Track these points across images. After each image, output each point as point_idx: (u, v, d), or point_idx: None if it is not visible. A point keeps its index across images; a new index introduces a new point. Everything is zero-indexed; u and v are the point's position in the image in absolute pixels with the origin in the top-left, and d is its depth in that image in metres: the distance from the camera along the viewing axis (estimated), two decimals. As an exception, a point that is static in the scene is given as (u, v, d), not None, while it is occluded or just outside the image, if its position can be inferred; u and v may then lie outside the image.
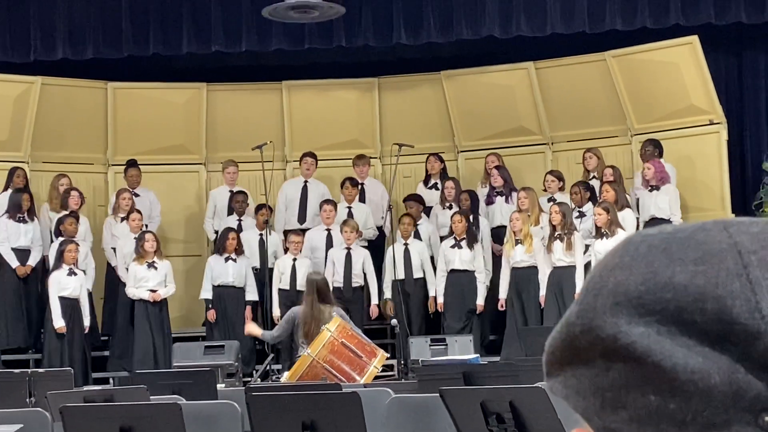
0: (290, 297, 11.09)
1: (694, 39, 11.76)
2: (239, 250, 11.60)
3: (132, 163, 12.49)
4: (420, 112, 13.16)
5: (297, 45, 12.37)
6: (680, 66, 11.92)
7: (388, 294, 11.56)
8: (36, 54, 12.04)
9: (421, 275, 11.56)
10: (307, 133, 13.11)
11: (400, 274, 11.48)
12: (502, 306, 11.30)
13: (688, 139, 12.03)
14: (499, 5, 12.05)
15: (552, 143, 12.85)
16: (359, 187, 12.39)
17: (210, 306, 11.52)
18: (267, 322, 11.51)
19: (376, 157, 13.27)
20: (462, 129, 13.12)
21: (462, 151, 13.15)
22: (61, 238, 11.32)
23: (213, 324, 11.49)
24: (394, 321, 10.48)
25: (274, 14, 11.48)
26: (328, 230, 11.89)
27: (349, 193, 12.26)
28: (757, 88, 12.65)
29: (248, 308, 11.57)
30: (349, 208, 12.21)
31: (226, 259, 11.54)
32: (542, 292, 10.91)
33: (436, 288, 11.51)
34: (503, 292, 11.27)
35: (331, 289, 11.16)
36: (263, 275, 11.73)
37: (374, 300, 11.54)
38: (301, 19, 11.60)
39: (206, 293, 11.57)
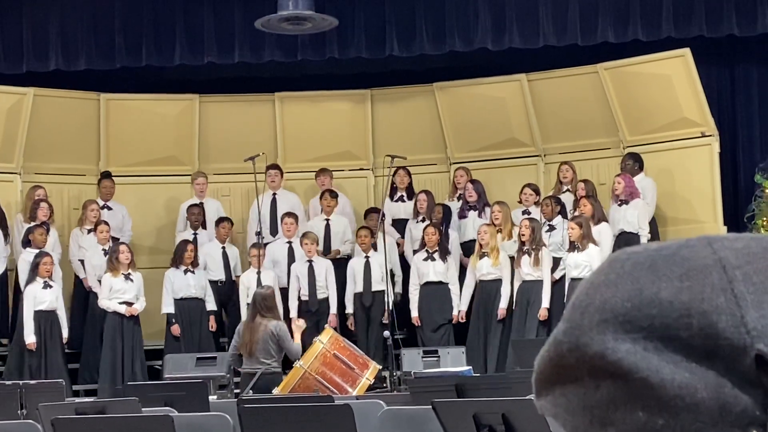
0: None
1: (686, 51, 11.79)
2: (195, 262, 11.59)
3: (106, 175, 12.46)
4: (412, 124, 13.17)
5: (290, 57, 12.38)
6: (672, 78, 11.94)
7: (350, 308, 11.55)
8: (28, 65, 12.04)
9: (381, 288, 11.50)
10: (299, 144, 13.11)
11: (360, 288, 11.48)
12: (462, 318, 11.32)
13: (680, 152, 12.05)
14: (492, 17, 12.07)
15: (544, 155, 12.87)
16: (338, 199, 12.36)
17: (173, 321, 11.49)
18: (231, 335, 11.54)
19: (368, 169, 13.28)
20: (454, 141, 13.14)
21: (454, 163, 13.15)
22: (29, 249, 11.24)
23: (175, 337, 11.44)
24: (386, 333, 10.47)
25: (267, 26, 11.49)
26: (290, 243, 11.87)
27: (327, 204, 12.24)
28: (749, 101, 12.68)
29: (212, 317, 11.57)
30: (328, 220, 12.19)
31: (185, 272, 11.53)
32: (502, 304, 10.98)
33: (410, 301, 11.49)
34: (464, 304, 11.31)
35: (294, 303, 11.17)
36: (229, 288, 11.74)
37: (332, 310, 11.51)
38: (294, 30, 11.61)
39: (168, 307, 11.51)
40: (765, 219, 11.51)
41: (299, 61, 12.53)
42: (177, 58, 12.23)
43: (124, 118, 12.86)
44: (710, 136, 11.95)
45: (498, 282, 11.11)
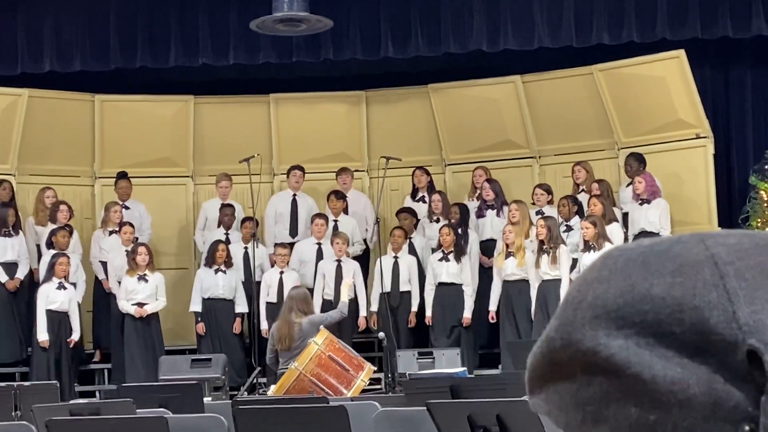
0: (277, 310, 11.08)
1: (681, 53, 11.80)
2: (228, 263, 11.60)
3: (122, 175, 12.46)
4: (407, 126, 13.17)
5: (285, 58, 12.38)
6: (667, 80, 11.95)
7: (374, 307, 11.56)
8: (23, 66, 12.03)
9: (408, 288, 11.56)
10: (294, 146, 13.11)
11: (387, 287, 11.49)
12: (492, 318, 11.31)
13: (674, 153, 12.06)
14: (487, 19, 12.07)
15: (539, 157, 12.87)
16: (344, 200, 12.38)
17: (199, 319, 11.50)
18: (255, 336, 11.49)
19: (363, 171, 13.27)
20: (449, 142, 13.14)
21: (449, 165, 13.16)
22: (52, 251, 11.28)
23: (202, 337, 11.47)
24: (381, 334, 10.47)
25: (262, 27, 11.49)
26: (319, 243, 11.89)
27: (334, 206, 12.25)
28: (744, 102, 12.69)
29: (237, 320, 11.58)
30: (336, 221, 12.19)
31: (216, 271, 11.53)
32: (534, 307, 10.93)
33: (425, 301, 11.52)
34: (493, 304, 11.29)
35: (318, 301, 11.19)
36: (249, 288, 11.73)
37: (362, 312, 11.53)
38: (289, 32, 11.61)
39: (196, 306, 11.54)
40: (759, 220, 11.53)
41: (294, 63, 12.53)
42: (172, 59, 12.22)
43: (118, 120, 12.85)
44: (705, 137, 11.96)
45: (523, 282, 11.06)
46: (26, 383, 9.31)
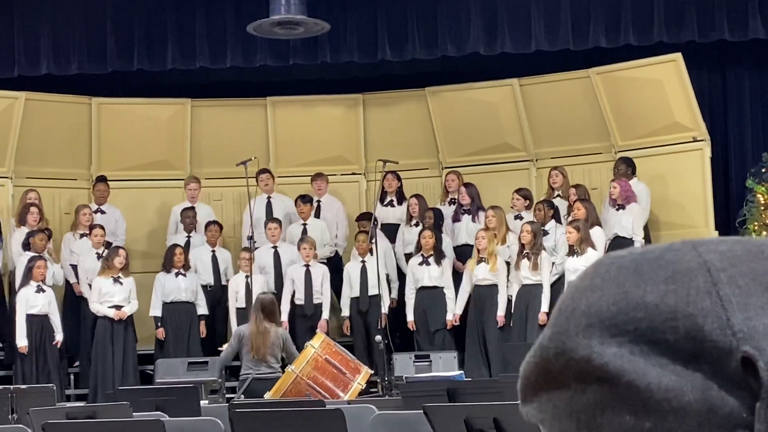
0: (246, 315, 11.00)
1: (678, 56, 11.81)
2: (186, 265, 11.59)
3: (101, 179, 12.45)
4: (404, 129, 13.18)
5: (282, 61, 12.39)
6: (664, 83, 11.96)
7: (346, 312, 11.56)
8: (20, 69, 12.03)
9: (377, 292, 11.52)
10: (291, 149, 13.11)
11: (356, 292, 11.48)
12: (456, 321, 11.32)
13: (671, 156, 12.07)
14: (484, 22, 12.08)
15: (536, 160, 12.88)
16: (312, 203, 12.39)
17: (159, 324, 11.49)
18: (224, 340, 11.49)
19: (360, 173, 13.28)
20: (446, 145, 13.14)
21: (446, 168, 13.16)
22: (28, 253, 11.23)
23: (164, 341, 11.44)
24: (378, 337, 10.47)
25: (259, 30, 11.50)
26: (275, 248, 11.89)
27: (301, 210, 12.27)
28: (741, 105, 12.71)
29: (202, 322, 11.58)
30: (304, 225, 12.20)
31: (176, 275, 11.52)
32: (500, 312, 10.96)
33: (406, 306, 11.51)
34: (459, 308, 11.31)
35: (287, 307, 11.18)
36: (218, 292, 11.75)
37: (325, 315, 11.50)
38: (286, 35, 11.62)
39: (156, 310, 11.53)
40: (756, 224, 11.53)
41: (291, 66, 12.54)
42: (169, 62, 12.22)
43: (115, 123, 12.85)
44: (702, 140, 11.97)
45: (493, 288, 11.09)
46: (23, 386, 9.29)
